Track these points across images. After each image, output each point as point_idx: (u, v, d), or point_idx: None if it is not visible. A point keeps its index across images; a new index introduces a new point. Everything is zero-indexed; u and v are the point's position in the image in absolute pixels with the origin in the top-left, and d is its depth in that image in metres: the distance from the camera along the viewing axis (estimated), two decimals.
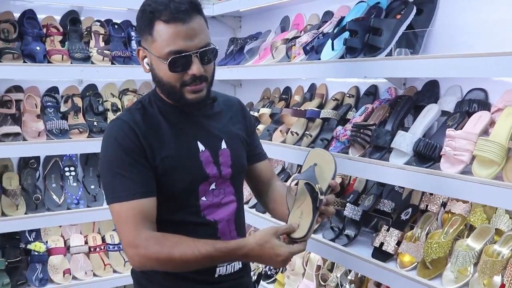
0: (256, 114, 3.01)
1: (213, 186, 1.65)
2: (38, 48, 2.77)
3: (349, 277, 2.47)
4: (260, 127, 2.94)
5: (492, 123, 1.86)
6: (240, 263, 1.70)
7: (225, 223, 1.67)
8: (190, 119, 1.64)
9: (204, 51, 1.52)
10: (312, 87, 2.93)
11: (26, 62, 2.74)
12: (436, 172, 1.81)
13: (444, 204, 2.18)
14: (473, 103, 1.99)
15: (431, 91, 2.22)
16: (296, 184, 1.62)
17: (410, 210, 2.21)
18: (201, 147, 1.63)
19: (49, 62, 2.81)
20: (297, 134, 2.59)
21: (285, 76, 2.71)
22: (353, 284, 2.42)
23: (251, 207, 2.91)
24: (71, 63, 2.86)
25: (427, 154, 1.90)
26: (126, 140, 1.52)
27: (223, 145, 1.68)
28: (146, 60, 1.59)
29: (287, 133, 2.66)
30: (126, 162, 1.51)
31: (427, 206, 2.21)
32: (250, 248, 1.46)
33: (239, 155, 1.73)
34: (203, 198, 1.63)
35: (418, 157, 1.95)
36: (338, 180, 2.61)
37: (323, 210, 1.55)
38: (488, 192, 1.65)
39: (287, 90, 3.12)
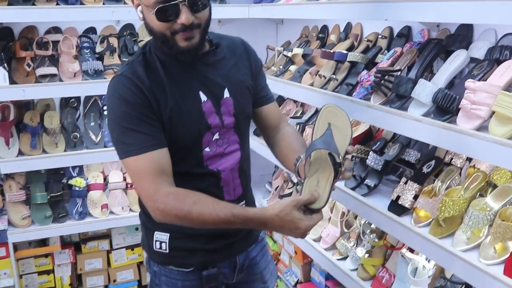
0: (289, 54, 2.91)
1: (216, 136, 1.62)
2: None
3: (372, 226, 2.41)
4: (292, 68, 2.85)
5: None
6: None
7: (228, 172, 1.66)
8: (191, 68, 1.59)
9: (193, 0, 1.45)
10: (348, 26, 2.77)
11: (59, 4, 2.76)
12: (450, 127, 1.67)
13: (470, 159, 2.04)
14: (505, 50, 1.79)
15: (464, 34, 2.03)
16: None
17: (433, 162, 2.08)
18: (203, 97, 1.59)
19: (81, 3, 2.82)
20: (325, 78, 2.47)
21: (312, 16, 2.56)
22: (374, 234, 2.37)
23: None
24: (103, 3, 2.85)
25: (445, 106, 1.76)
26: (132, 96, 1.50)
27: (226, 93, 1.63)
28: (139, 8, 1.54)
29: (316, 75, 2.56)
30: (135, 117, 1.50)
31: (451, 159, 2.08)
32: (270, 219, 1.43)
33: (242, 102, 1.68)
34: (207, 149, 1.61)
35: (437, 108, 1.80)
36: (366, 127, 2.50)
37: (340, 178, 1.50)
38: (502, 152, 1.51)
39: (324, 29, 2.97)
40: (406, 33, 2.35)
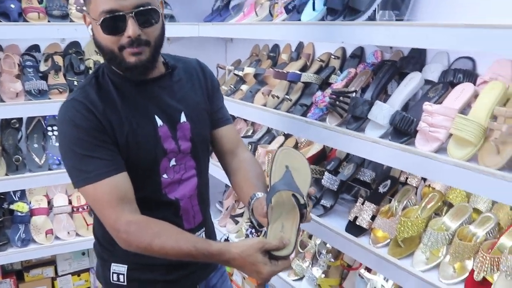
0: (241, 73, 2.89)
1: (173, 162, 1.57)
2: (12, 6, 2.65)
3: (327, 245, 2.41)
4: (244, 87, 2.83)
5: (476, 96, 1.73)
6: None
7: (187, 200, 1.61)
8: (147, 91, 1.54)
9: (140, 11, 1.39)
10: (300, 45, 2.78)
11: (0, 21, 2.63)
12: (409, 149, 1.69)
13: (425, 178, 2.08)
14: (459, 73, 1.84)
15: (417, 56, 2.08)
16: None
17: (389, 182, 2.11)
18: (159, 121, 1.54)
19: (25, 20, 2.69)
20: (278, 98, 2.47)
21: (264, 37, 2.56)
22: (330, 254, 2.37)
23: None
24: (48, 21, 2.74)
25: (403, 129, 1.78)
26: (85, 121, 1.43)
27: (182, 117, 1.58)
28: (90, 26, 1.48)
29: (269, 96, 2.55)
30: (89, 143, 1.42)
31: (407, 178, 2.12)
32: (232, 258, 1.38)
33: (199, 126, 1.63)
34: (164, 176, 1.56)
35: (395, 130, 1.83)
36: (319, 147, 2.51)
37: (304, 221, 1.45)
38: (461, 174, 1.54)
39: (275, 48, 2.98)
40: (359, 54, 2.38)
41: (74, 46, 3.07)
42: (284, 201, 1.44)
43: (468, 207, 1.82)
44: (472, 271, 1.64)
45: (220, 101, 1.76)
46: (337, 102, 2.07)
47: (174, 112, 1.57)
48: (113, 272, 1.61)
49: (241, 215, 3.03)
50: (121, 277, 1.61)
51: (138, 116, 1.51)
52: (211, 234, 1.76)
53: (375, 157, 1.84)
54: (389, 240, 1.92)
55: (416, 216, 1.90)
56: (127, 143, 1.47)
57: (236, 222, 3.01)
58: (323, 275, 2.34)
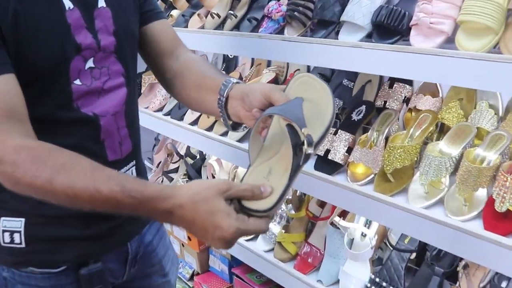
0: None
1: (90, 64, 1.07)
2: None
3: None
4: (174, 12, 2.32)
5: None
6: None
7: (110, 118, 1.11)
8: None
9: None
10: None
11: None
12: (406, 48, 1.28)
13: (406, 100, 1.69)
14: None
15: None
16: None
17: (363, 108, 1.70)
18: (67, 3, 1.02)
19: None
20: (219, 17, 1.99)
21: None
22: (290, 204, 1.94)
23: (166, 114, 2.35)
24: None
25: (392, 25, 1.37)
26: None
27: (101, 1, 1.08)
28: None
29: (207, 17, 2.06)
30: None
31: (385, 102, 1.71)
32: (178, 203, 0.87)
33: (125, 16, 1.15)
34: (77, 82, 1.05)
35: (379, 31, 1.42)
36: (271, 75, 2.06)
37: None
38: (482, 69, 1.14)
39: None
40: None
41: None
42: (281, 138, 0.98)
43: (470, 126, 1.45)
44: (490, 201, 1.27)
45: None
46: (298, 8, 1.63)
47: None
48: (3, 230, 1.09)
49: (175, 170, 2.55)
50: (16, 236, 1.09)
51: None
52: (142, 174, 1.28)
53: (357, 66, 1.41)
54: (372, 175, 1.52)
55: (405, 143, 1.51)
56: (16, 29, 0.95)
57: (171, 179, 2.52)
58: (283, 231, 1.91)
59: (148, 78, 2.57)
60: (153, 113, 2.41)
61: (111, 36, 1.10)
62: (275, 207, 0.89)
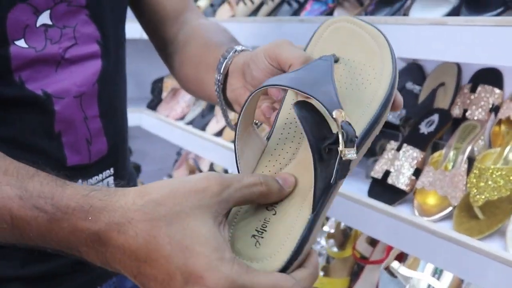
0: None
1: (45, 19, 0.69)
2: None
3: (325, 228, 1.57)
4: (202, 3, 1.98)
5: None
6: None
7: (72, 102, 0.72)
8: None
9: None
10: None
11: None
12: None
13: (495, 108, 1.26)
14: None
15: None
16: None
17: (436, 117, 1.28)
18: None
19: None
20: (252, 2, 1.62)
21: None
22: (332, 239, 1.52)
23: (188, 123, 1.99)
24: None
25: None
26: None
27: None
28: None
29: (238, 4, 1.70)
30: None
31: (465, 111, 1.28)
32: (117, 221, 0.46)
33: None
34: (20, 43, 0.67)
35: (469, 2, 1.01)
36: None
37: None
38: None
39: None
40: None
41: None
42: (297, 132, 0.56)
43: None
44: None
45: None
46: None
47: None
48: None
49: None
50: None
51: None
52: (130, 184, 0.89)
53: (440, 53, 1.00)
54: (450, 208, 1.08)
55: (499, 165, 1.08)
56: None
57: None
58: (321, 273, 1.49)
59: (171, 82, 2.23)
60: (172, 122, 2.06)
61: None
62: (293, 259, 0.47)
